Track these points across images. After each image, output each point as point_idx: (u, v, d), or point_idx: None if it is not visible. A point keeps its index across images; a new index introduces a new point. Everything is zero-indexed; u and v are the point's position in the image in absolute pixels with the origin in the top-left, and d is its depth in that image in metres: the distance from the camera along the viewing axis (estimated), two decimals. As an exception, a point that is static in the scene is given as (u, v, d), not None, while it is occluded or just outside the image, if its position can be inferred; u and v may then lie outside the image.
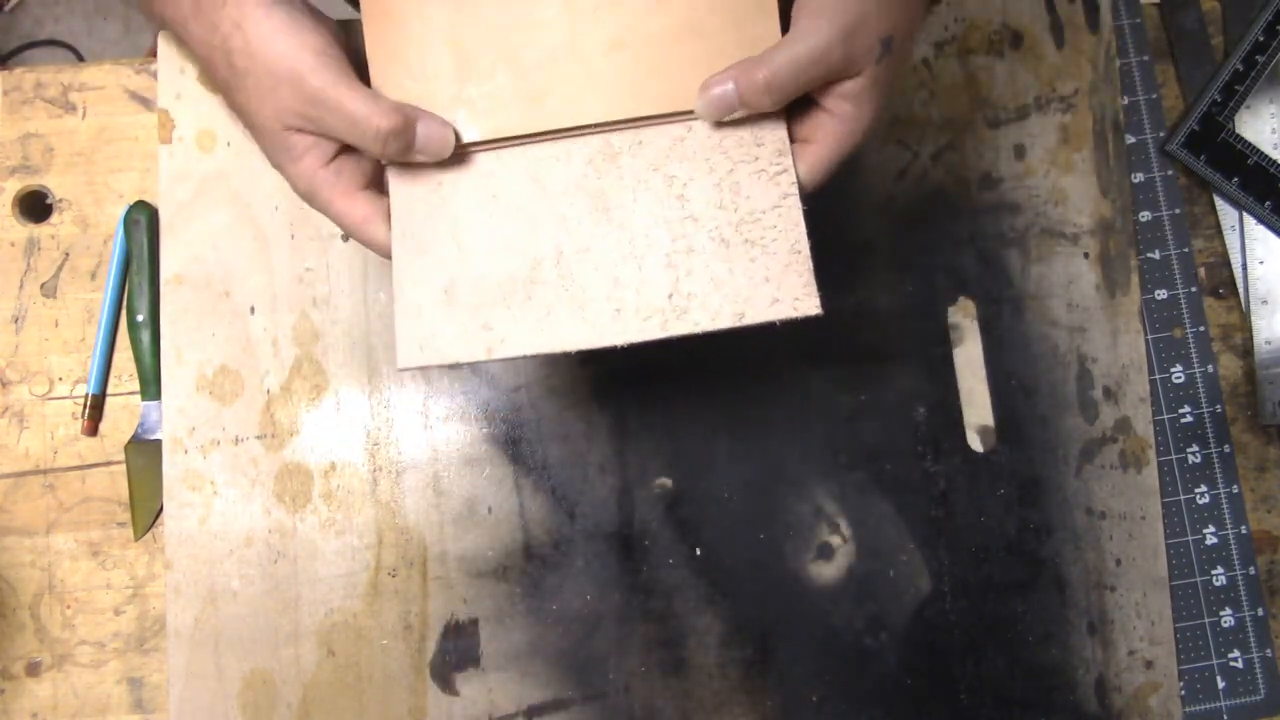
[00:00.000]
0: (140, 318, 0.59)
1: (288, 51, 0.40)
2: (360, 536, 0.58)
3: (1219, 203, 0.66)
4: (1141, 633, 0.60)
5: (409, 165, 0.43)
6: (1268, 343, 0.64)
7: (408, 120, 0.40)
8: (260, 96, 0.41)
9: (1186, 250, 0.65)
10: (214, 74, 0.43)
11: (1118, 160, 0.64)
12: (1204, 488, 0.63)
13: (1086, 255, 0.63)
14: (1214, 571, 0.62)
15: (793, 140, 0.43)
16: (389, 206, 0.43)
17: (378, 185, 0.44)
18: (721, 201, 0.42)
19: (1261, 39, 0.65)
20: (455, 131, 0.42)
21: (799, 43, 0.40)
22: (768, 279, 0.41)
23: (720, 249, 0.42)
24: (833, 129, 0.43)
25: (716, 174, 0.42)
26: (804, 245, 0.41)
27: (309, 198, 0.43)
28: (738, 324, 0.41)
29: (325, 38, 0.41)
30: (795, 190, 0.42)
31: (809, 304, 0.41)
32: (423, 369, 0.43)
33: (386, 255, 0.43)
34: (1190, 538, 0.62)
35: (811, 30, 0.40)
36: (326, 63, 0.40)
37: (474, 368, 0.60)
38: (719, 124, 0.43)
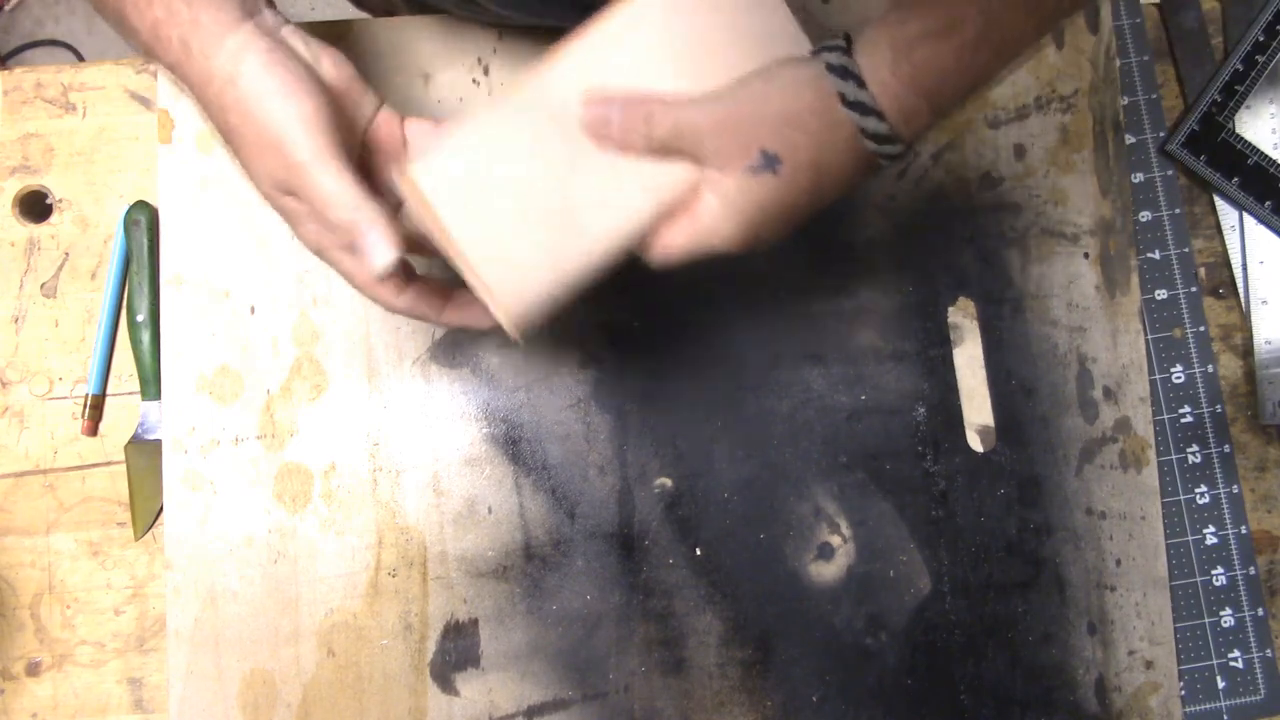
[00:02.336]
0: (140, 318, 0.59)
1: (277, 117, 0.40)
2: (360, 536, 0.58)
3: (1219, 203, 0.66)
4: (1141, 633, 0.60)
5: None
6: (1268, 343, 0.64)
7: (357, 224, 0.40)
8: (251, 156, 0.41)
9: (1186, 250, 0.65)
10: (210, 119, 0.43)
11: (1118, 160, 0.64)
12: (1204, 488, 0.63)
13: (1086, 255, 0.63)
14: (1214, 571, 0.62)
15: (677, 201, 0.43)
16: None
17: None
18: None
19: (1261, 39, 0.65)
20: (405, 262, 0.43)
21: (692, 108, 0.41)
22: None
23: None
24: (696, 216, 0.42)
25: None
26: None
27: (318, 254, 0.43)
28: None
29: (317, 100, 0.40)
30: None
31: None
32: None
33: (394, 311, 0.44)
34: (1190, 538, 0.62)
35: (708, 104, 0.41)
36: (313, 132, 0.40)
37: (474, 368, 0.60)
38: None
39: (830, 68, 0.41)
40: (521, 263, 0.41)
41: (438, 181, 0.41)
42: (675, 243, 0.43)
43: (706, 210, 0.42)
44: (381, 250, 0.39)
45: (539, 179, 0.42)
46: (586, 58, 0.43)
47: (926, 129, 0.42)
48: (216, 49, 0.40)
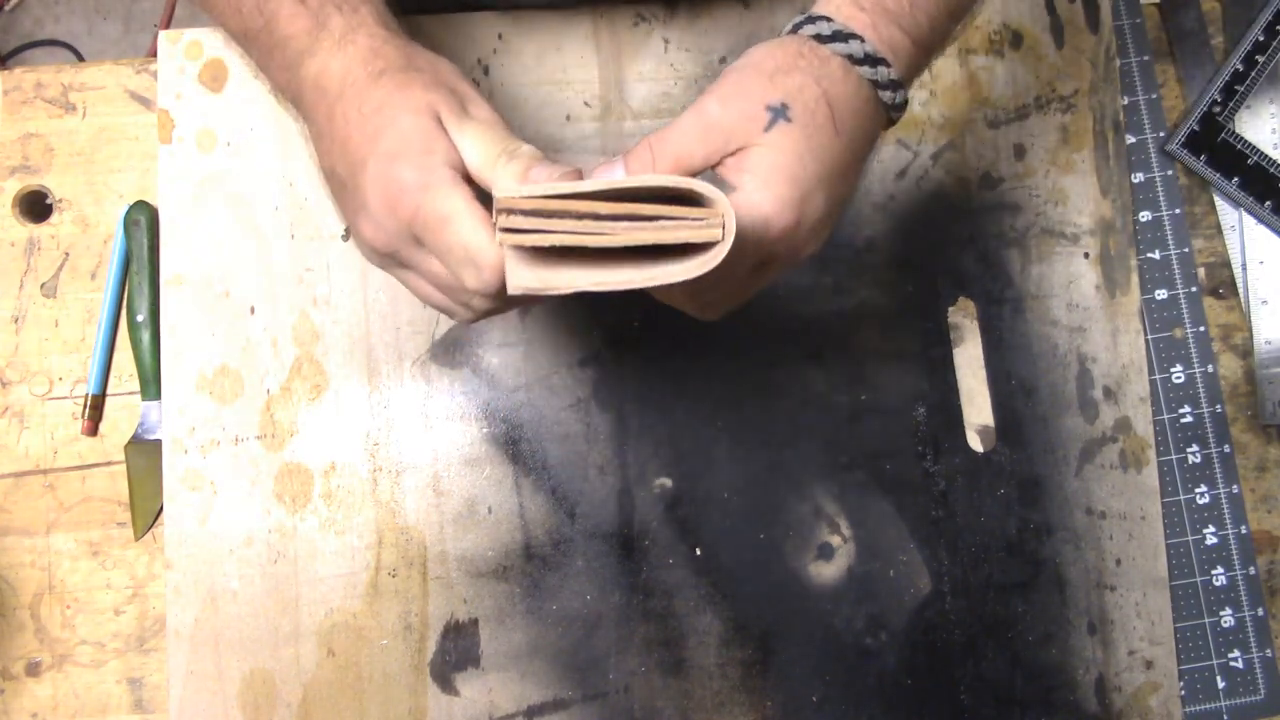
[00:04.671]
0: (140, 318, 0.59)
1: (463, 76, 0.42)
2: (360, 536, 0.58)
3: (1219, 203, 0.66)
4: (1141, 633, 0.60)
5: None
6: (1268, 343, 0.64)
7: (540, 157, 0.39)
8: (426, 85, 0.39)
9: (1186, 250, 0.65)
10: (367, 64, 0.40)
11: (1118, 160, 0.64)
12: (1204, 488, 0.63)
13: (1086, 255, 0.63)
14: (1214, 571, 0.62)
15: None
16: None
17: None
18: None
19: (1261, 39, 0.65)
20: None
21: (681, 116, 0.39)
22: None
23: None
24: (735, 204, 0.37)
25: None
26: None
27: (419, 187, 0.37)
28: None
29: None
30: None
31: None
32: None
33: (493, 275, 0.37)
34: (1190, 538, 0.62)
35: (695, 104, 0.40)
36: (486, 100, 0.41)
37: (474, 368, 0.60)
38: None
39: (796, 25, 0.41)
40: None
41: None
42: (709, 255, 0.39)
43: (742, 193, 0.38)
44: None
45: None
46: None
47: (916, 62, 0.42)
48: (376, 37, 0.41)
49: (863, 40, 0.39)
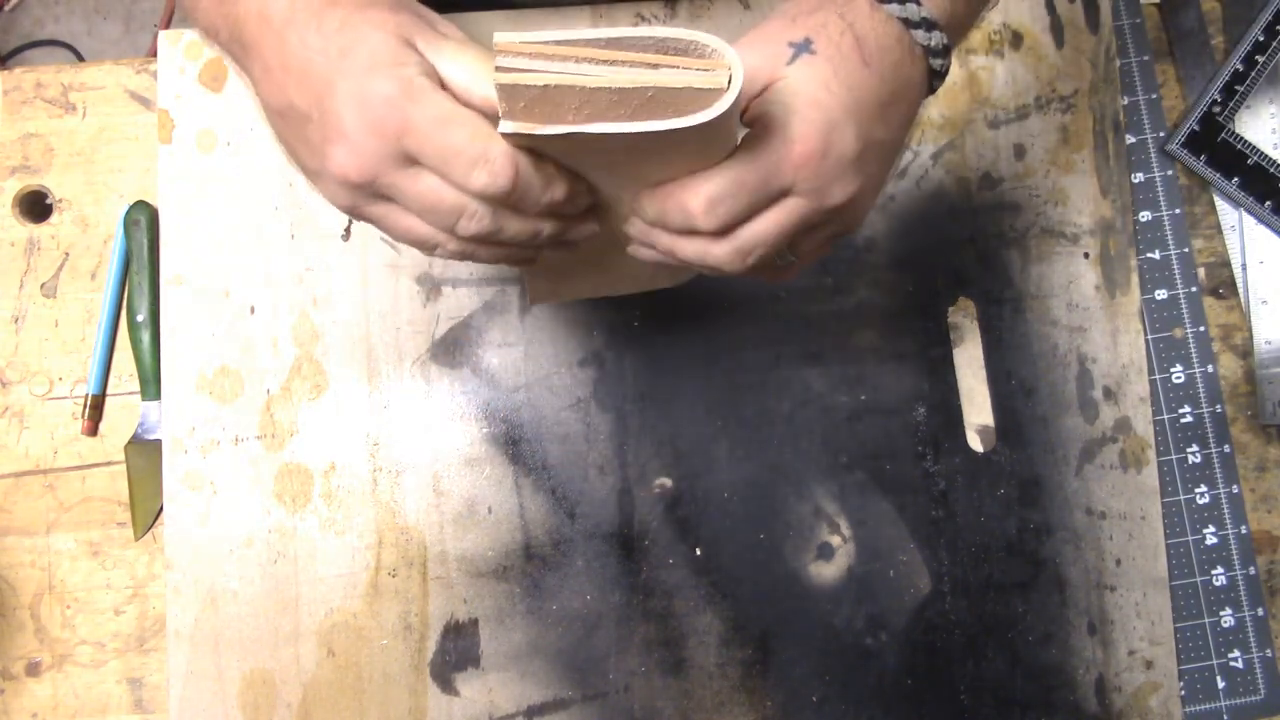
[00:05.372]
0: (140, 318, 0.59)
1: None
2: (360, 536, 0.58)
3: (1219, 203, 0.66)
4: (1141, 633, 0.60)
5: None
6: (1268, 343, 0.64)
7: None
8: (392, 5, 0.37)
9: (1186, 250, 0.65)
10: (281, 43, 0.37)
11: (1118, 160, 0.64)
12: (1204, 488, 0.63)
13: (1086, 255, 0.63)
14: (1214, 571, 0.62)
15: None
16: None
17: None
18: None
19: (1261, 39, 0.65)
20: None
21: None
22: None
23: None
24: (753, 155, 0.36)
25: None
26: None
27: (404, 95, 0.35)
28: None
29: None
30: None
31: None
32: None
33: (506, 168, 0.35)
34: (1190, 538, 0.62)
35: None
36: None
37: (474, 368, 0.60)
38: None
39: None
40: None
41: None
42: (722, 176, 0.36)
43: (761, 140, 0.36)
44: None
45: None
46: None
47: (956, 10, 0.39)
48: None
49: (919, 2, 0.38)
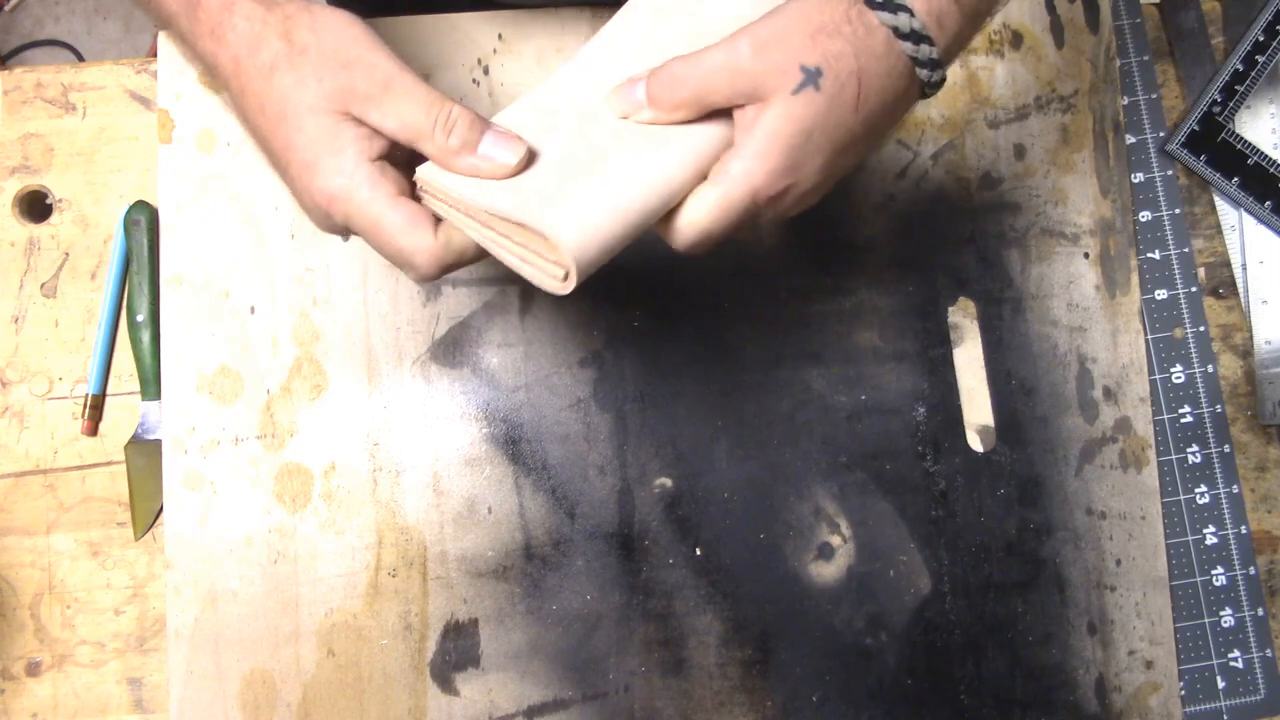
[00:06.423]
0: (140, 318, 0.59)
1: (361, 36, 0.40)
2: (360, 536, 0.58)
3: (1219, 203, 0.66)
4: (1141, 633, 0.60)
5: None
6: (1268, 343, 0.64)
7: (477, 116, 0.39)
8: (319, 75, 0.39)
9: (1186, 250, 0.65)
10: (253, 56, 0.40)
11: (1118, 160, 0.64)
12: (1204, 488, 0.63)
13: (1086, 255, 0.63)
14: (1214, 571, 0.62)
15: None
16: (433, 213, 0.40)
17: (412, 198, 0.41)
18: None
19: (1261, 39, 0.65)
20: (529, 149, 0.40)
21: (713, 50, 0.39)
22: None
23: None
24: (724, 169, 0.39)
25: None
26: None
27: (343, 197, 0.39)
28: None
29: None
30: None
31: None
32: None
33: (435, 270, 0.40)
34: (1190, 538, 0.62)
35: (729, 40, 0.39)
36: (393, 56, 0.40)
37: (474, 368, 0.60)
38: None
39: None
40: (568, 207, 0.39)
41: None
42: (699, 210, 0.39)
43: (737, 155, 0.39)
44: (509, 138, 0.39)
45: (567, 156, 0.41)
46: (602, 51, 0.43)
47: (963, 32, 0.41)
48: None
49: (912, 14, 0.38)
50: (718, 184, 0.39)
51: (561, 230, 0.37)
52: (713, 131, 0.40)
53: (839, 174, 0.41)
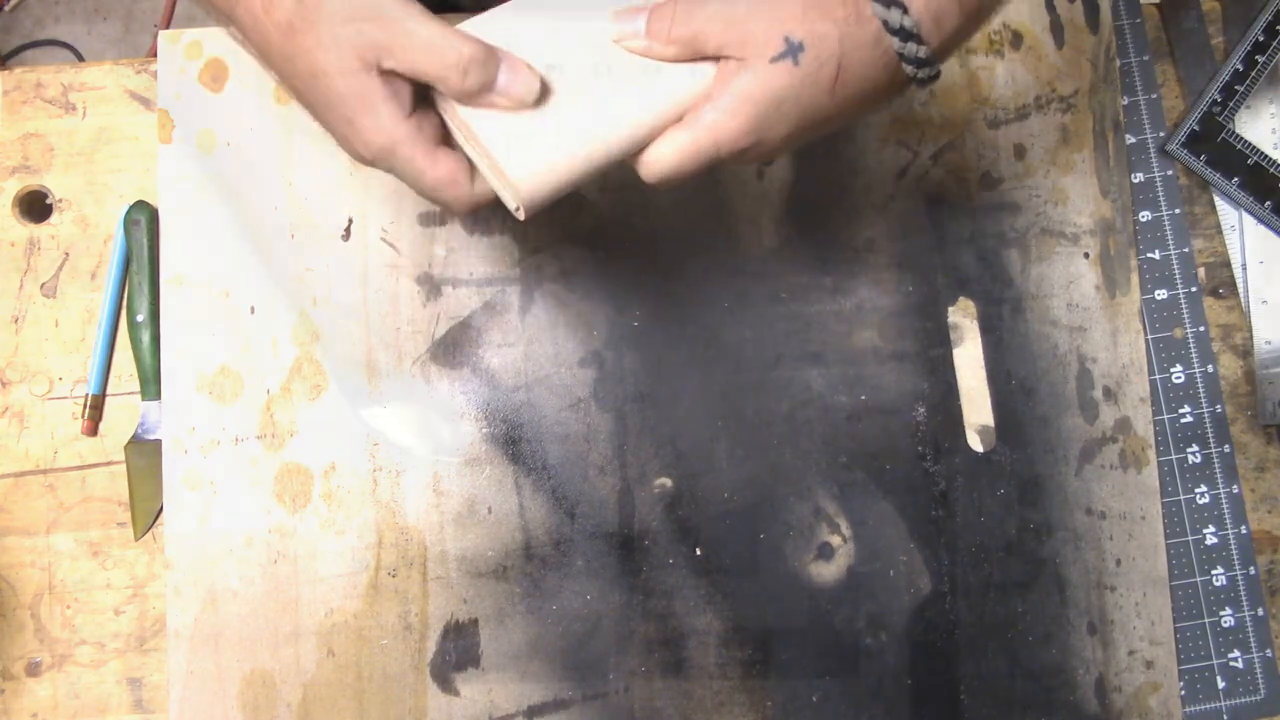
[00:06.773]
0: (140, 318, 0.59)
1: None
2: (360, 536, 0.58)
3: (1219, 203, 0.66)
4: (1141, 633, 0.60)
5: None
6: (1268, 343, 0.64)
7: (490, 51, 0.40)
8: (335, 36, 0.39)
9: (1186, 250, 0.65)
10: (270, 16, 0.40)
11: (1118, 160, 0.64)
12: (1204, 488, 0.63)
13: (1086, 255, 0.63)
14: (1214, 571, 0.62)
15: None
16: (470, 164, 0.42)
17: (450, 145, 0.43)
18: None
19: (1261, 39, 0.65)
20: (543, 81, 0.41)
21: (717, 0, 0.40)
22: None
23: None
24: (698, 115, 0.41)
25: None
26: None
27: (385, 154, 0.41)
28: None
29: None
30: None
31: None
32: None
33: (469, 211, 0.43)
34: (1190, 538, 0.62)
35: None
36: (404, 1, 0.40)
37: (474, 368, 0.60)
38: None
39: None
40: (534, 148, 0.41)
41: None
42: (668, 149, 0.41)
43: (711, 107, 0.40)
44: (524, 74, 0.40)
45: (560, 75, 0.42)
46: None
47: (961, 32, 0.41)
48: None
49: (905, 11, 0.39)
50: (689, 129, 0.41)
51: (517, 170, 0.40)
52: (694, 79, 0.42)
53: (805, 143, 0.43)
